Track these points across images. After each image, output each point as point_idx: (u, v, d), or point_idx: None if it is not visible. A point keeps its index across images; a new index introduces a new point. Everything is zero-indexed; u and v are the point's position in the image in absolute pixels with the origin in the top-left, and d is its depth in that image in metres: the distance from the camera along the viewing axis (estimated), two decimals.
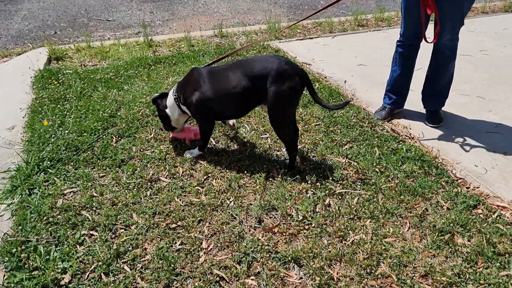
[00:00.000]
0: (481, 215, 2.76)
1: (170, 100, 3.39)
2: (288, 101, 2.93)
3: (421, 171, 3.16)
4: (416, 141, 3.59)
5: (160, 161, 3.32)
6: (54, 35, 7.11)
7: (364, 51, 5.58)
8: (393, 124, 3.88)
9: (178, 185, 3.05)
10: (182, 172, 3.20)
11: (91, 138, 3.59)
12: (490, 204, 2.87)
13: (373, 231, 2.63)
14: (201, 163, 3.30)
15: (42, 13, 8.21)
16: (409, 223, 2.71)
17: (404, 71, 3.83)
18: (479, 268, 2.37)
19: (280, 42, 5.96)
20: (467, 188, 3.04)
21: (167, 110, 3.41)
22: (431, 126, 3.81)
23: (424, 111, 4.02)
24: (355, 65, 5.13)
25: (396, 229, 2.65)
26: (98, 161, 3.34)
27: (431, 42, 3.52)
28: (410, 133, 3.72)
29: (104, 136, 3.64)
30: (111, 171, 3.23)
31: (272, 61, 2.91)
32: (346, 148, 3.45)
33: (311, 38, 6.10)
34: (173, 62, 5.22)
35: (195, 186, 3.04)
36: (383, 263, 2.41)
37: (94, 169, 3.26)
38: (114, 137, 3.64)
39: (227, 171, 3.20)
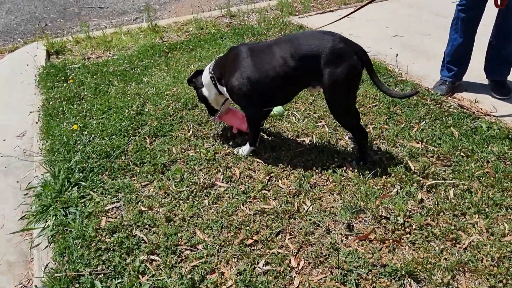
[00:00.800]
0: None
1: (206, 78, 2.93)
2: (347, 84, 2.51)
3: None
4: (492, 117, 3.19)
5: (210, 162, 2.87)
6: (46, 28, 6.50)
7: (394, 21, 5.13)
8: (458, 99, 3.46)
9: (239, 190, 2.61)
10: (240, 174, 2.75)
11: (122, 141, 3.11)
12: None
13: (487, 229, 2.23)
14: (258, 161, 2.86)
15: (28, 5, 7.56)
16: None
17: (466, 39, 3.41)
18: None
19: (299, 17, 5.47)
20: None
21: (203, 90, 2.97)
22: (499, 98, 3.41)
23: (485, 81, 3.62)
24: (390, 37, 4.68)
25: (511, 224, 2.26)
26: (136, 167, 2.88)
27: (500, 7, 3.09)
28: (481, 108, 3.31)
29: (136, 138, 3.17)
30: (155, 178, 2.77)
31: (326, 39, 2.48)
32: (417, 131, 3.03)
33: (331, 11, 5.63)
34: (190, 47, 4.71)
35: (260, 190, 2.60)
36: None
37: (133, 178, 2.81)
38: (147, 137, 3.17)
39: (291, 168, 2.76)
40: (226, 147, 3.02)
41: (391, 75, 3.75)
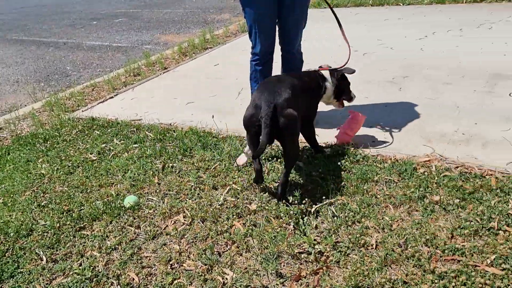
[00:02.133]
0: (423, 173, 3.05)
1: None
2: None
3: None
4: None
5: (94, 279, 2.48)
6: None
7: (177, 91, 5.42)
8: None
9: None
10: (138, 276, 2.47)
11: None
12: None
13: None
14: (145, 253, 2.62)
15: None
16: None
17: None
18: None
19: (83, 111, 5.21)
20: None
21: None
22: None
23: None
24: (184, 105, 4.93)
25: (395, 213, 2.69)
26: None
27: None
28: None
29: None
30: None
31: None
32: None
33: (112, 97, 5.55)
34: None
35: (171, 282, 2.39)
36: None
37: None
38: None
39: (176, 248, 2.63)
40: (98, 256, 2.66)
41: (214, 136, 3.96)
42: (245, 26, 8.17)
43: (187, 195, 3.16)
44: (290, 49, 3.76)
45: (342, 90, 3.50)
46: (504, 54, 5.17)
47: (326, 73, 3.40)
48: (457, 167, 3.08)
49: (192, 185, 3.25)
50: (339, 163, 3.28)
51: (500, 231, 2.44)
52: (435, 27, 6.75)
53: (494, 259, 2.25)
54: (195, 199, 3.11)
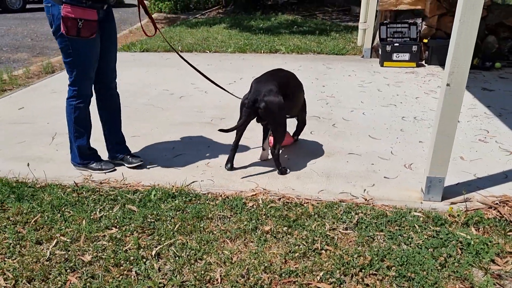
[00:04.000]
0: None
1: None
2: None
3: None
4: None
5: None
6: None
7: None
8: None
9: None
10: None
11: None
12: None
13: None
14: None
15: None
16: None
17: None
18: None
19: None
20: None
21: None
22: (135, 165, 3.91)
23: None
24: None
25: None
26: None
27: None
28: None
29: None
30: None
31: None
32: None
33: None
34: None
35: None
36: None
37: None
38: None
39: None
40: None
41: (30, 186, 3.58)
42: (49, 67, 7.72)
43: (6, 254, 2.78)
44: (111, 83, 3.82)
45: None
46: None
47: None
48: (279, 199, 3.41)
49: (11, 243, 2.88)
50: (173, 203, 3.31)
51: (322, 251, 2.79)
52: (240, 73, 7.40)
53: (322, 275, 2.56)
54: (16, 258, 2.75)
